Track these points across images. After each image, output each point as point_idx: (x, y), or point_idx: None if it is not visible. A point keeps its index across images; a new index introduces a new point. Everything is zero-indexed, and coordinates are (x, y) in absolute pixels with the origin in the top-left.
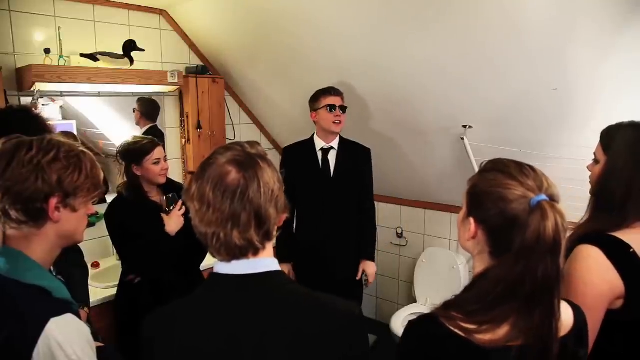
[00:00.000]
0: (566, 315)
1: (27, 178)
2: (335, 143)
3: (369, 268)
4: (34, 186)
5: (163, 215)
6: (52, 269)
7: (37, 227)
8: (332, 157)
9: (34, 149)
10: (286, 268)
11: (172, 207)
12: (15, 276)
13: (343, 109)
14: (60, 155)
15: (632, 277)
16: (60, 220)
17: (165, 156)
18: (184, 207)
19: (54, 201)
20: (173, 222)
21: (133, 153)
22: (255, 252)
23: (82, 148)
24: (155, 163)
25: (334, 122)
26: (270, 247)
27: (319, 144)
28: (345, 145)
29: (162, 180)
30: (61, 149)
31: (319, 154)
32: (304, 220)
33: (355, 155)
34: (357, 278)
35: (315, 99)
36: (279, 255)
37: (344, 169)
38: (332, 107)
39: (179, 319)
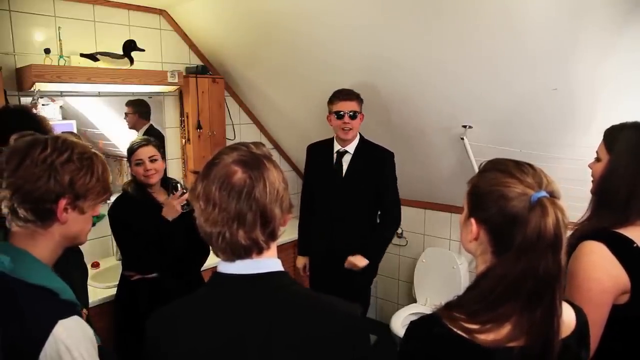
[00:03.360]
0: (568, 316)
1: (40, 177)
2: (351, 147)
3: (354, 258)
4: (46, 186)
5: (165, 201)
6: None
7: (43, 226)
8: (346, 160)
9: (48, 148)
10: (302, 261)
11: (171, 194)
12: (21, 276)
13: (353, 115)
14: (74, 156)
15: (637, 271)
16: (67, 222)
17: (153, 157)
18: (184, 196)
19: (63, 202)
20: (167, 209)
21: (127, 152)
22: (260, 251)
23: (94, 150)
24: (137, 164)
25: (342, 129)
26: (274, 247)
27: (336, 146)
28: (364, 148)
29: (148, 182)
30: (75, 150)
31: (335, 156)
32: (317, 218)
33: (371, 159)
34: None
35: (330, 102)
36: (298, 248)
37: (356, 172)
38: (339, 115)
39: (184, 318)
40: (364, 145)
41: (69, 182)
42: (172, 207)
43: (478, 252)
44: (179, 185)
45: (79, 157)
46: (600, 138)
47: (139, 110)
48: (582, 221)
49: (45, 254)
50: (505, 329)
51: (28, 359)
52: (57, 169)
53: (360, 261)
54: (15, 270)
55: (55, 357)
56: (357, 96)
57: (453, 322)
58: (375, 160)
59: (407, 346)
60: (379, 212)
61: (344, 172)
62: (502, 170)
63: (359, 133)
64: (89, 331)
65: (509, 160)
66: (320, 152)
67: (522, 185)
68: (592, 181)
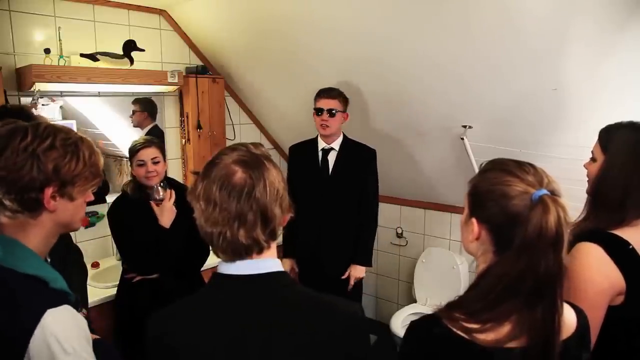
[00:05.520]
0: (569, 317)
1: (22, 167)
2: (336, 144)
3: (354, 271)
4: (29, 175)
5: (155, 208)
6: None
7: (32, 216)
8: (331, 157)
9: (29, 136)
10: (289, 263)
11: (155, 197)
12: (11, 265)
13: (331, 112)
14: (57, 143)
15: (632, 273)
16: (56, 210)
17: (155, 159)
18: (173, 197)
19: (49, 191)
20: (165, 215)
21: (128, 153)
22: (260, 251)
23: (80, 134)
24: (139, 165)
25: (320, 125)
26: (274, 246)
27: (321, 144)
28: (348, 146)
29: (148, 183)
30: (58, 136)
31: (320, 154)
32: (302, 219)
33: (356, 156)
34: (342, 277)
35: (314, 99)
36: (284, 250)
37: (342, 170)
38: (319, 111)
39: (184, 318)
40: (348, 143)
41: (53, 170)
42: (167, 212)
43: (479, 253)
44: (165, 184)
45: (63, 143)
46: None
47: (148, 109)
48: (578, 221)
49: (36, 244)
50: (506, 328)
51: (18, 348)
52: (39, 157)
53: (360, 272)
54: (5, 260)
55: (44, 347)
56: (338, 95)
57: (453, 322)
58: (360, 158)
59: (407, 346)
60: (362, 209)
61: (330, 169)
62: (503, 169)
63: (342, 133)
64: (81, 321)
65: (510, 159)
66: (304, 151)
67: (523, 184)
68: (588, 181)
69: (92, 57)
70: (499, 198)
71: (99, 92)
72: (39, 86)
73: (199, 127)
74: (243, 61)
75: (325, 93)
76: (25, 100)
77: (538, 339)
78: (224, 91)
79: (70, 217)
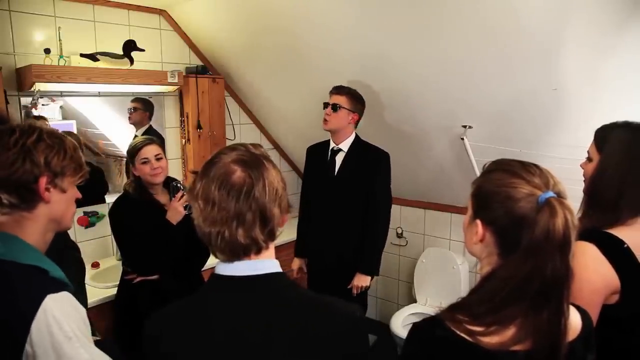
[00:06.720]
0: (574, 319)
1: (15, 160)
2: (345, 145)
3: (357, 280)
4: (22, 168)
5: (172, 205)
6: None
7: (29, 209)
8: (339, 158)
9: (17, 132)
10: (298, 262)
11: (172, 197)
12: (12, 258)
13: (334, 107)
14: (44, 135)
15: (627, 272)
16: (50, 201)
17: (158, 155)
18: (184, 197)
19: (43, 181)
20: (171, 213)
21: (129, 153)
22: (259, 251)
23: (62, 133)
24: (143, 162)
25: (323, 119)
26: (272, 247)
27: (331, 144)
28: (358, 147)
29: (154, 180)
30: (43, 131)
31: (329, 155)
32: (311, 219)
33: (364, 158)
34: (348, 287)
35: None
36: (295, 249)
37: (348, 171)
38: (325, 105)
39: (182, 319)
40: (359, 145)
41: (45, 161)
42: (176, 211)
43: (484, 255)
44: (179, 186)
45: (49, 136)
46: None
47: (149, 109)
48: None
49: (35, 239)
50: (510, 331)
51: (19, 334)
52: (30, 150)
53: (363, 281)
54: (6, 253)
55: (45, 330)
56: (347, 92)
57: (456, 324)
58: (369, 160)
59: (410, 348)
60: (369, 213)
61: (336, 170)
62: (507, 170)
63: (355, 133)
64: (81, 308)
65: (514, 160)
66: (317, 151)
67: (529, 186)
68: (584, 181)
69: (92, 57)
70: (505, 200)
71: (99, 92)
72: (39, 86)
73: (199, 127)
74: (243, 61)
75: (335, 89)
76: (26, 101)
77: (544, 342)
78: (224, 91)
79: (63, 212)
